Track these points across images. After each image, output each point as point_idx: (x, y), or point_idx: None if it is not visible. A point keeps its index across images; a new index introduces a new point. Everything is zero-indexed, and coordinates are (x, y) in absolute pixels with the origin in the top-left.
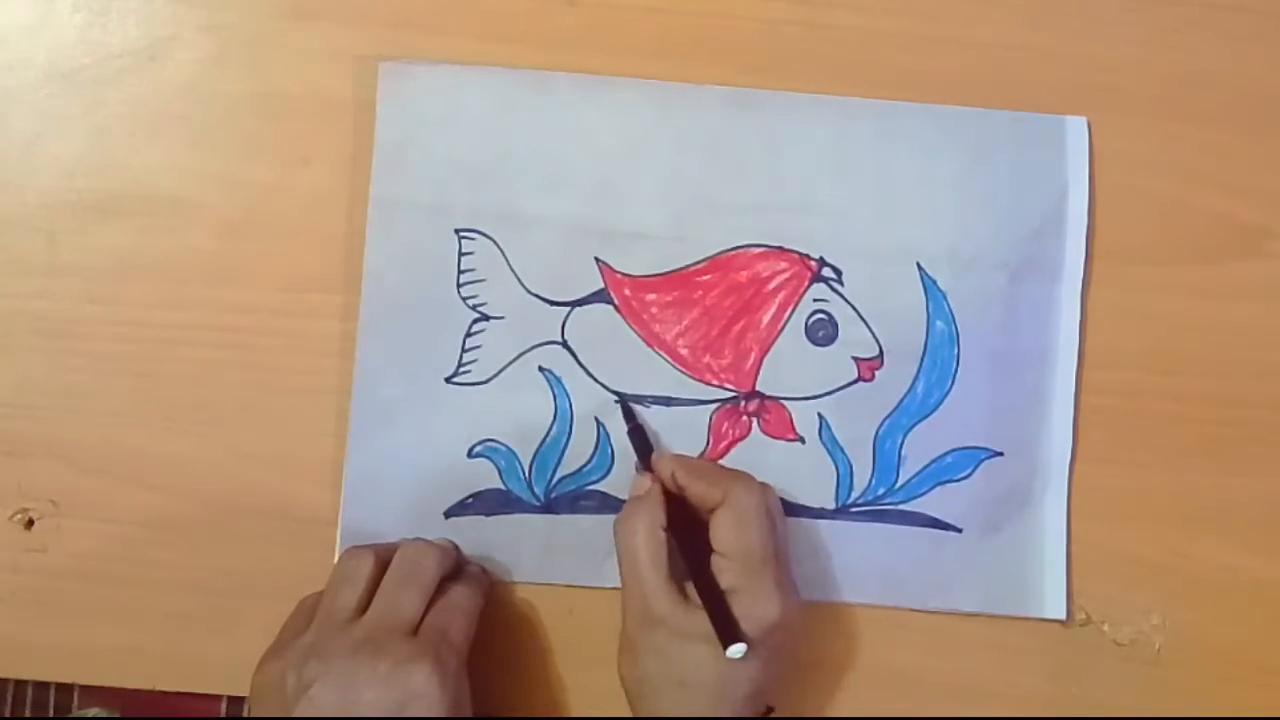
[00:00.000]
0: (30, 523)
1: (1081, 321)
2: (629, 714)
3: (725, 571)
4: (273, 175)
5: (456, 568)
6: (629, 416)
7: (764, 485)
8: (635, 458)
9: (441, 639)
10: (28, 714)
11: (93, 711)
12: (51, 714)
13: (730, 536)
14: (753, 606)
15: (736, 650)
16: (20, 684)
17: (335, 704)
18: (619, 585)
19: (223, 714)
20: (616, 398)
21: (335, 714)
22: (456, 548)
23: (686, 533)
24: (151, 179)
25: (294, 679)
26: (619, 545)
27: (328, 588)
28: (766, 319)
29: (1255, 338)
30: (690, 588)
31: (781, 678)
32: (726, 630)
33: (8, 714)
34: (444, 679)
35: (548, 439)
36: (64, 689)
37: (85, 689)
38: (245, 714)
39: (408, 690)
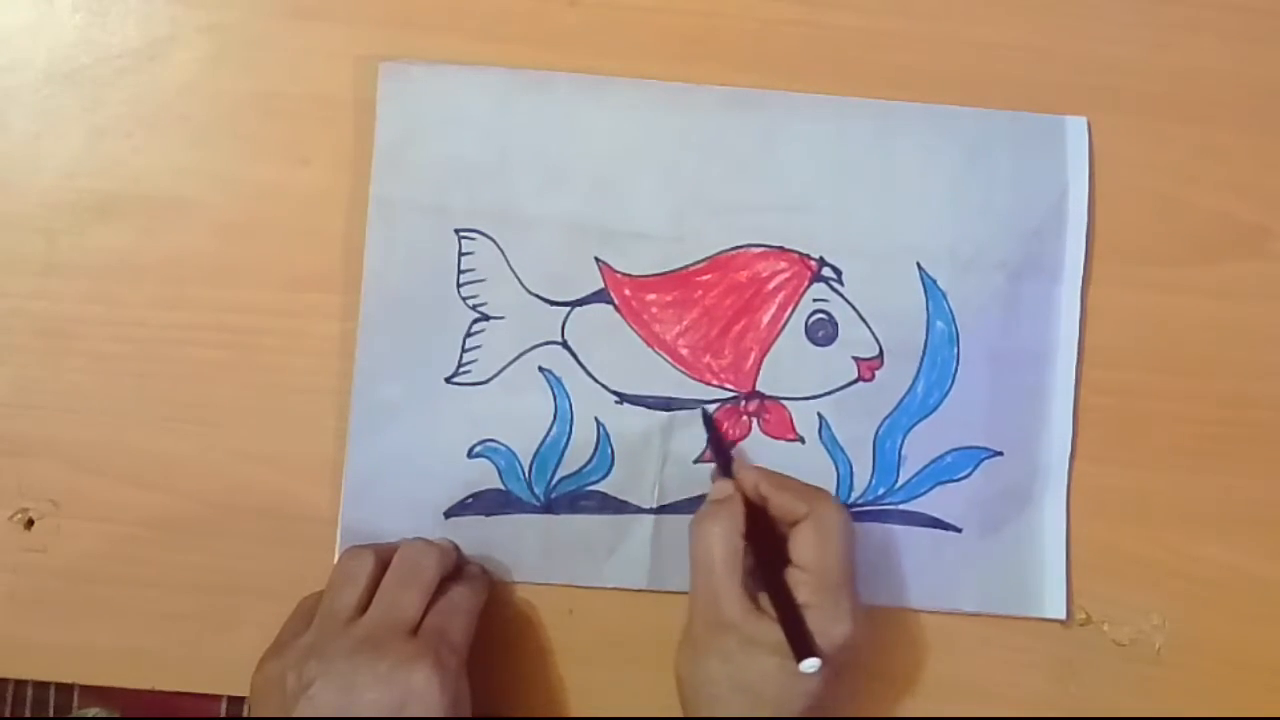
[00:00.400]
0: (30, 523)
1: (1081, 321)
2: (629, 714)
3: (802, 586)
4: (272, 175)
5: (456, 568)
6: (708, 425)
7: (843, 505)
8: (713, 464)
9: (441, 639)
10: (28, 714)
11: (93, 711)
12: (51, 714)
13: (812, 551)
14: (827, 623)
15: (810, 665)
16: (20, 684)
17: (335, 703)
18: (618, 585)
19: (223, 714)
20: (700, 407)
21: (335, 714)
22: (456, 548)
23: (762, 543)
24: (151, 179)
25: (294, 678)
26: (694, 545)
27: (328, 587)
28: (766, 319)
29: (1255, 338)
30: (762, 597)
31: (838, 695)
32: (801, 645)
33: (8, 714)
34: (444, 679)
35: (548, 439)
36: (64, 689)
37: (85, 689)
38: (245, 714)
39: (408, 690)
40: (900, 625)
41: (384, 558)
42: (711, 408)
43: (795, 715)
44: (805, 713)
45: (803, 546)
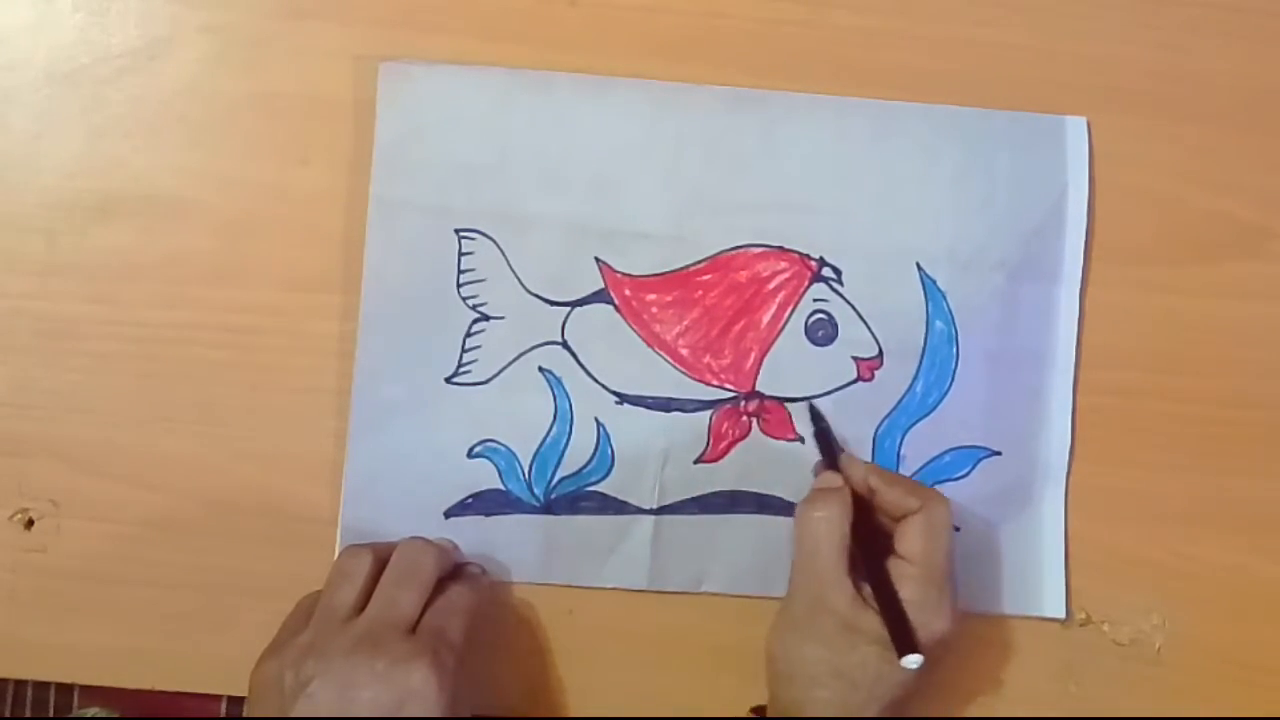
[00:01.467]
0: (30, 523)
1: (1081, 321)
2: (629, 714)
3: (906, 580)
4: (272, 175)
5: (455, 567)
6: (817, 419)
7: (951, 503)
8: (819, 456)
9: (439, 638)
10: (28, 714)
11: (92, 711)
12: (51, 714)
13: (920, 546)
14: (928, 618)
15: (913, 661)
16: (20, 684)
17: (333, 702)
18: (618, 585)
19: (223, 714)
20: (806, 401)
21: (333, 713)
22: (456, 547)
23: (865, 535)
24: (151, 179)
25: (292, 677)
26: (801, 529)
27: (326, 586)
28: (766, 319)
29: (1255, 338)
30: (864, 588)
31: (923, 690)
32: (905, 640)
33: (8, 714)
34: (441, 677)
35: (548, 439)
36: (64, 689)
37: (85, 689)
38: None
39: (405, 688)
40: None
41: (382, 556)
42: (819, 403)
43: (886, 707)
44: (890, 707)
45: (911, 541)
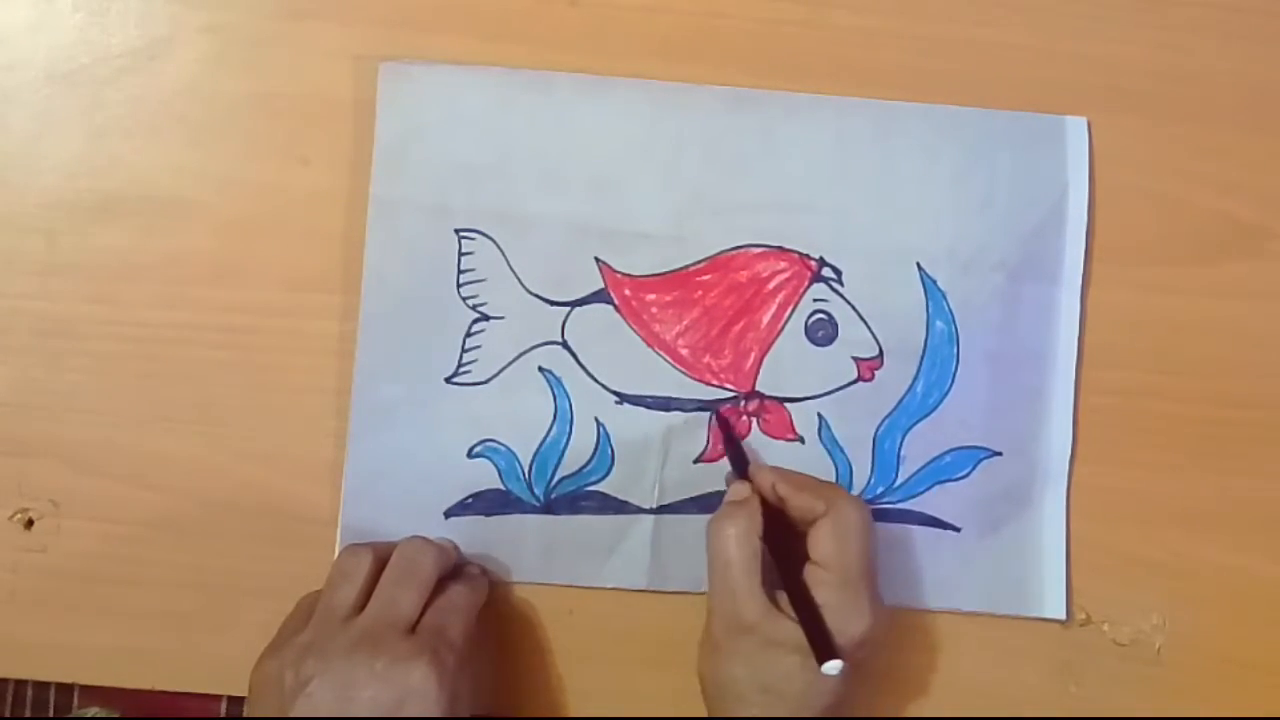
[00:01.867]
0: (30, 523)
1: (1081, 321)
2: (629, 714)
3: (821, 584)
4: (272, 175)
5: (455, 567)
6: (724, 426)
7: (861, 501)
8: (729, 466)
9: (439, 637)
10: (28, 714)
11: (92, 711)
12: (51, 714)
13: (831, 548)
14: (846, 622)
15: (833, 667)
16: (20, 684)
17: (333, 701)
18: (618, 585)
19: (223, 714)
20: (712, 409)
21: (332, 712)
22: (455, 547)
23: (780, 543)
24: (151, 179)
25: (291, 676)
26: (711, 548)
27: (326, 586)
28: (766, 319)
29: (1255, 338)
30: (781, 597)
31: (858, 693)
32: (823, 646)
33: (8, 714)
34: (441, 677)
35: (548, 439)
36: (64, 689)
37: (85, 689)
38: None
39: (405, 688)
40: (900, 625)
41: (382, 556)
42: (723, 409)
43: (817, 713)
44: (826, 711)
45: (821, 544)
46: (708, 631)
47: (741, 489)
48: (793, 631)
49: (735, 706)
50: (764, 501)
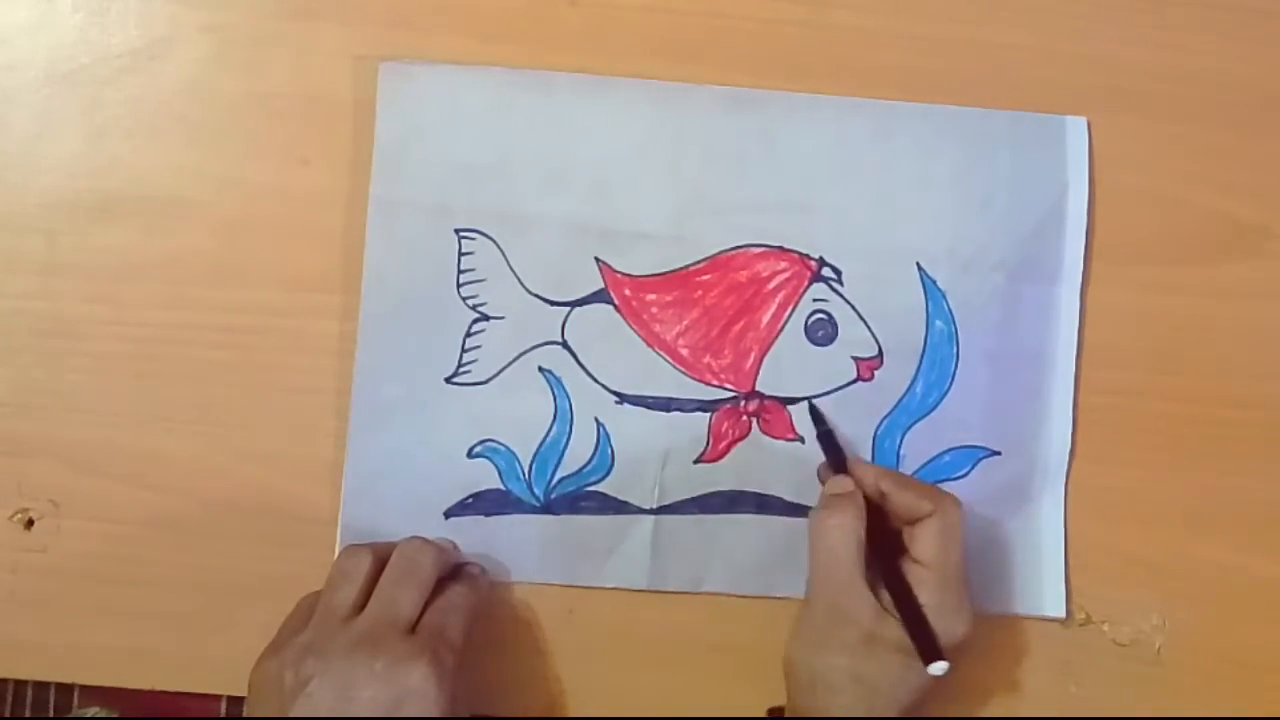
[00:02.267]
0: (30, 523)
1: (1081, 321)
2: (629, 714)
3: (922, 585)
4: (272, 175)
5: (455, 567)
6: (819, 421)
7: (962, 504)
8: (824, 459)
9: (439, 637)
10: (28, 714)
11: (92, 711)
12: (51, 714)
13: (935, 549)
14: (948, 623)
15: (939, 668)
16: (20, 684)
17: (332, 701)
18: (618, 585)
19: (223, 714)
20: (806, 400)
21: (332, 712)
22: (455, 547)
23: (879, 541)
24: (151, 179)
25: (291, 676)
26: (816, 538)
27: (326, 586)
28: (766, 319)
29: (1255, 338)
30: (883, 594)
31: (940, 692)
32: (929, 648)
33: (8, 714)
34: (441, 677)
35: (547, 439)
36: (64, 689)
37: (85, 689)
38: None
39: (404, 688)
40: None
41: (382, 556)
42: (820, 404)
43: (903, 710)
44: (907, 710)
45: (926, 544)
46: (806, 620)
47: (844, 482)
48: (896, 630)
49: (824, 694)
50: (864, 497)
